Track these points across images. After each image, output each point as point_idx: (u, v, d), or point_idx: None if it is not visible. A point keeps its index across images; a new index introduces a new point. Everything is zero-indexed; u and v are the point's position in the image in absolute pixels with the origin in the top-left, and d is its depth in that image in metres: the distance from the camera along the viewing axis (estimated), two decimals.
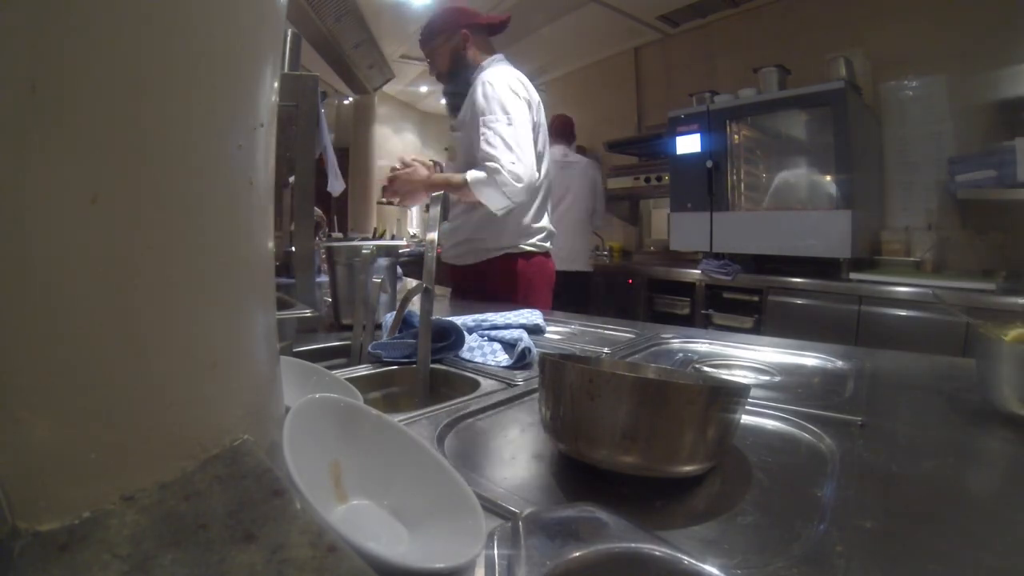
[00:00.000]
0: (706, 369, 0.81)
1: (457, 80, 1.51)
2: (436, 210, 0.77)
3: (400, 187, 1.45)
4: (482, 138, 1.35)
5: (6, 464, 0.23)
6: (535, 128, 1.46)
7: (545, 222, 1.57)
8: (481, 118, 1.36)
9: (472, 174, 1.36)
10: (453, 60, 1.50)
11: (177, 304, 0.28)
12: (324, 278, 1.84)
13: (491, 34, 1.58)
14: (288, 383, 0.40)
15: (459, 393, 0.70)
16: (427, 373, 0.75)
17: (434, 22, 1.52)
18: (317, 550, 0.23)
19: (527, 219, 1.52)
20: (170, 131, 0.27)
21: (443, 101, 1.63)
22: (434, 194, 0.80)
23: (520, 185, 1.34)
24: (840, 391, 0.69)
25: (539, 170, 1.44)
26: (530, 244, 1.55)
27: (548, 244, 1.59)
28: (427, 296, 0.73)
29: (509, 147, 1.34)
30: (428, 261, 0.73)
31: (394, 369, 0.80)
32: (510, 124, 1.36)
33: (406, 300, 0.88)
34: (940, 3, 2.23)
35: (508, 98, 1.38)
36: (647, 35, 3.37)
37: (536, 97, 1.50)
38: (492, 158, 1.33)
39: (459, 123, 1.50)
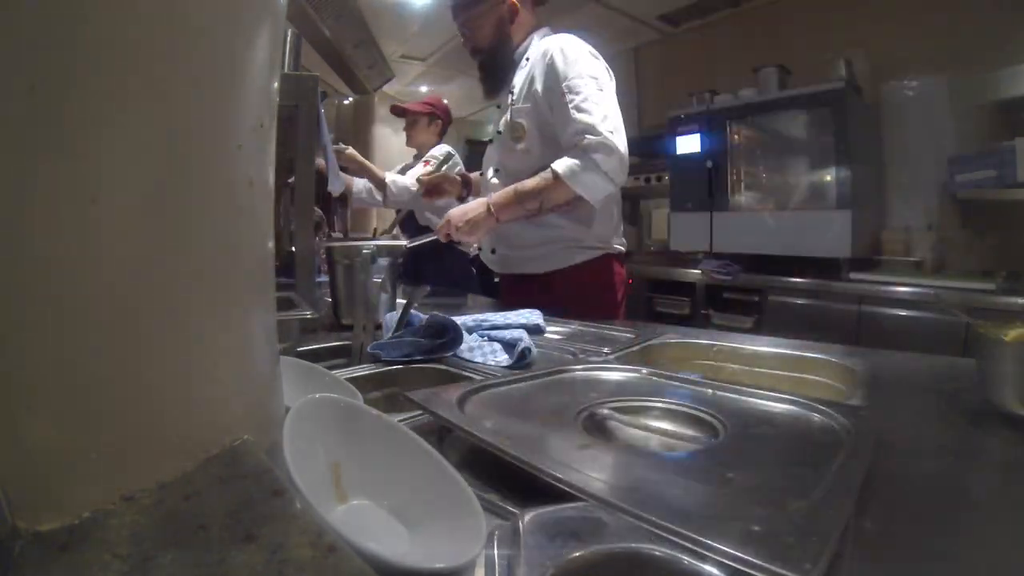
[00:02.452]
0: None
1: (498, 56, 1.27)
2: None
3: (462, 229, 1.16)
4: (570, 105, 1.10)
5: (6, 464, 0.23)
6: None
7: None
8: (564, 83, 1.12)
9: (564, 164, 1.10)
10: (498, 31, 1.26)
11: (177, 304, 0.28)
12: (324, 278, 1.85)
13: (537, 4, 1.35)
14: (288, 383, 0.40)
15: None
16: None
17: None
18: (317, 550, 0.23)
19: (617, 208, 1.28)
20: (170, 131, 0.27)
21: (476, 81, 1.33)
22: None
23: (623, 163, 1.11)
24: (840, 391, 0.69)
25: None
26: (619, 242, 1.31)
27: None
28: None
29: (606, 116, 1.10)
30: None
31: (395, 369, 0.80)
32: (600, 90, 1.13)
33: (410, 302, 0.88)
34: (940, 3, 2.23)
35: (593, 63, 1.17)
36: (647, 35, 3.37)
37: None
38: (589, 128, 1.08)
39: (519, 100, 1.22)
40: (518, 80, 1.26)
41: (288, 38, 1.05)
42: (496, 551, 0.31)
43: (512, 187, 1.17)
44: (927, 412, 0.64)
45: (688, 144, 2.54)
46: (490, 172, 1.34)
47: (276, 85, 0.34)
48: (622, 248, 1.32)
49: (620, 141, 1.11)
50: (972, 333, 0.61)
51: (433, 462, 0.36)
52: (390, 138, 5.22)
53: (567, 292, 1.24)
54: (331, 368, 0.64)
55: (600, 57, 1.22)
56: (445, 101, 2.47)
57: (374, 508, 0.34)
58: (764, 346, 0.91)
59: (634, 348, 0.92)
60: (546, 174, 1.14)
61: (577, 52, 1.17)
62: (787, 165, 2.34)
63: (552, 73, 1.16)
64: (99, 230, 0.25)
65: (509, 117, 1.25)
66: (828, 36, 2.50)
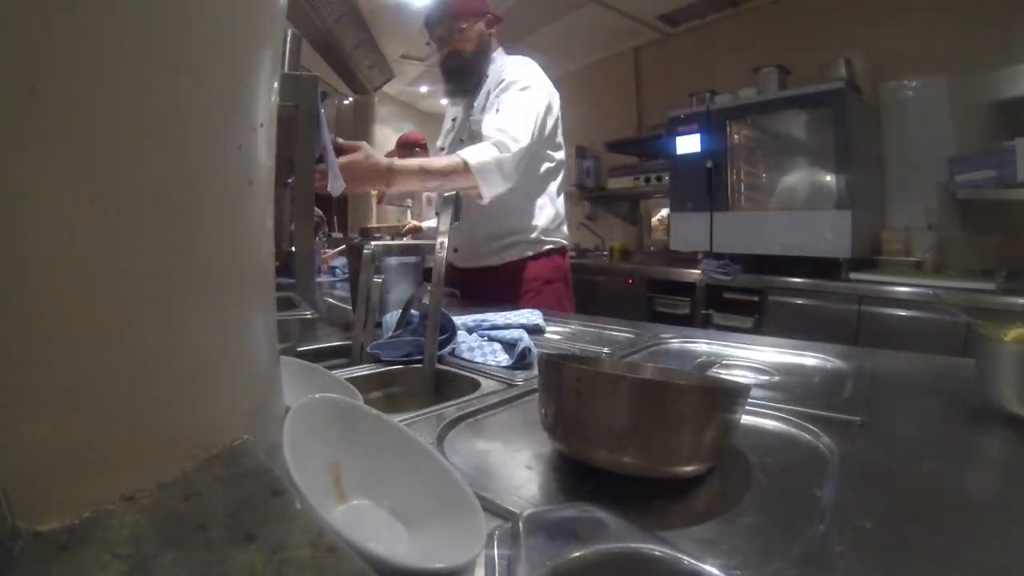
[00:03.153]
0: (706, 369, 0.81)
1: (476, 68, 1.40)
2: (448, 210, 0.76)
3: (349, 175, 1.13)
4: (493, 110, 1.25)
5: (6, 464, 0.23)
6: (555, 120, 1.41)
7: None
8: (512, 90, 1.29)
9: (477, 158, 1.18)
10: (479, 45, 1.39)
11: (177, 304, 0.28)
12: (325, 278, 1.84)
13: (488, 27, 1.49)
14: (288, 383, 0.40)
15: (459, 393, 0.70)
16: (432, 372, 0.75)
17: (459, 1, 1.38)
18: (317, 550, 0.23)
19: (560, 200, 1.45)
20: (170, 131, 0.27)
21: (442, 94, 1.50)
22: (447, 194, 0.78)
23: (517, 169, 1.24)
24: (840, 391, 0.69)
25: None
26: (563, 235, 1.49)
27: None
28: (434, 297, 0.74)
29: (519, 121, 1.24)
30: (438, 262, 0.73)
31: (395, 369, 0.80)
32: (526, 99, 1.29)
33: (410, 302, 0.88)
34: (940, 3, 2.23)
35: (531, 80, 1.32)
36: (647, 35, 3.37)
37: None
38: (502, 131, 1.22)
39: (477, 113, 1.38)
40: (480, 96, 1.41)
41: (288, 38, 1.05)
42: (496, 551, 0.31)
43: (419, 162, 1.23)
44: (927, 412, 0.64)
45: (688, 144, 2.54)
46: None
47: (276, 85, 0.34)
48: (565, 243, 1.49)
49: (521, 151, 1.24)
50: (972, 333, 0.61)
51: (433, 462, 0.36)
52: (390, 138, 5.21)
53: (516, 285, 1.40)
54: (331, 368, 0.64)
55: (544, 82, 1.38)
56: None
57: (374, 508, 0.34)
58: (764, 346, 0.91)
59: (636, 352, 0.92)
60: (456, 160, 1.20)
61: (520, 72, 1.34)
62: (787, 165, 2.34)
63: (502, 86, 1.33)
64: (99, 230, 0.25)
65: (470, 128, 1.39)
66: (828, 36, 2.50)
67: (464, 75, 1.42)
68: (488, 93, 1.36)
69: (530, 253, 1.42)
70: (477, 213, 1.30)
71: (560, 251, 1.49)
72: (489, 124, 1.26)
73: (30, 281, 0.24)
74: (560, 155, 1.48)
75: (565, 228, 1.51)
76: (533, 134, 1.28)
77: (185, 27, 0.27)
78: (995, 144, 1.95)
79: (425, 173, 1.21)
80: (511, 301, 1.32)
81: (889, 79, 2.38)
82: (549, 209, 1.45)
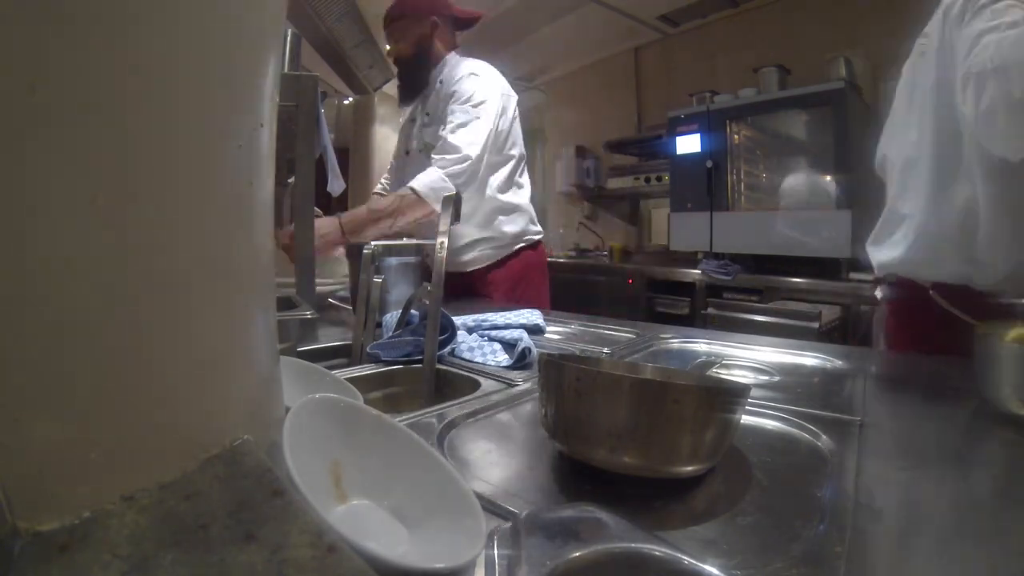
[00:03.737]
0: (706, 369, 0.81)
1: (414, 69, 1.41)
2: (448, 211, 0.77)
3: (317, 246, 1.16)
4: (448, 126, 1.27)
5: (6, 464, 0.23)
6: (510, 122, 1.41)
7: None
8: (460, 103, 1.30)
9: (424, 183, 1.22)
10: (417, 47, 1.39)
11: (177, 304, 0.28)
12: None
13: (458, 28, 1.47)
14: (288, 383, 0.40)
15: (459, 393, 0.70)
16: (432, 372, 0.75)
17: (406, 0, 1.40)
18: (317, 550, 0.23)
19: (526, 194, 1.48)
20: (170, 131, 0.27)
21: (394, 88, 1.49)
22: (446, 194, 0.79)
23: (473, 176, 1.28)
24: (840, 391, 0.69)
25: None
26: (537, 232, 1.52)
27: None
28: (434, 297, 0.74)
29: (471, 142, 1.28)
30: (437, 263, 0.74)
31: (395, 369, 0.80)
32: (478, 117, 1.30)
33: (411, 302, 0.88)
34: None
35: (482, 89, 1.33)
36: (647, 35, 3.37)
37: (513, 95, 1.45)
38: (447, 147, 1.26)
39: (432, 122, 1.39)
40: (432, 101, 1.41)
41: (288, 38, 1.05)
42: (496, 551, 0.31)
43: (365, 206, 1.28)
44: (927, 412, 0.64)
45: (688, 144, 2.54)
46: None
47: (276, 85, 0.34)
48: (537, 237, 1.51)
49: (468, 165, 1.27)
50: (972, 333, 0.61)
51: (433, 462, 0.36)
52: (390, 138, 5.22)
53: (494, 284, 1.45)
54: (331, 368, 0.64)
55: (498, 84, 1.38)
56: None
57: (374, 508, 0.34)
58: (764, 346, 0.91)
59: (635, 352, 0.92)
60: (404, 192, 1.25)
61: (471, 82, 1.33)
62: (787, 165, 2.34)
63: (452, 95, 1.33)
64: (99, 230, 0.25)
65: (423, 137, 1.40)
66: (828, 36, 2.50)
67: (404, 80, 1.44)
68: (438, 102, 1.36)
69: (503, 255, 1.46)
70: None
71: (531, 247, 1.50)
72: (438, 144, 1.29)
73: (29, 281, 0.24)
74: (515, 151, 1.46)
75: (530, 223, 1.51)
76: (485, 146, 1.30)
77: (185, 27, 0.27)
78: None
79: (375, 220, 1.24)
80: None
81: (889, 79, 2.38)
82: (517, 212, 1.47)
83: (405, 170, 1.45)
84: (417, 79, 1.41)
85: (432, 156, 1.29)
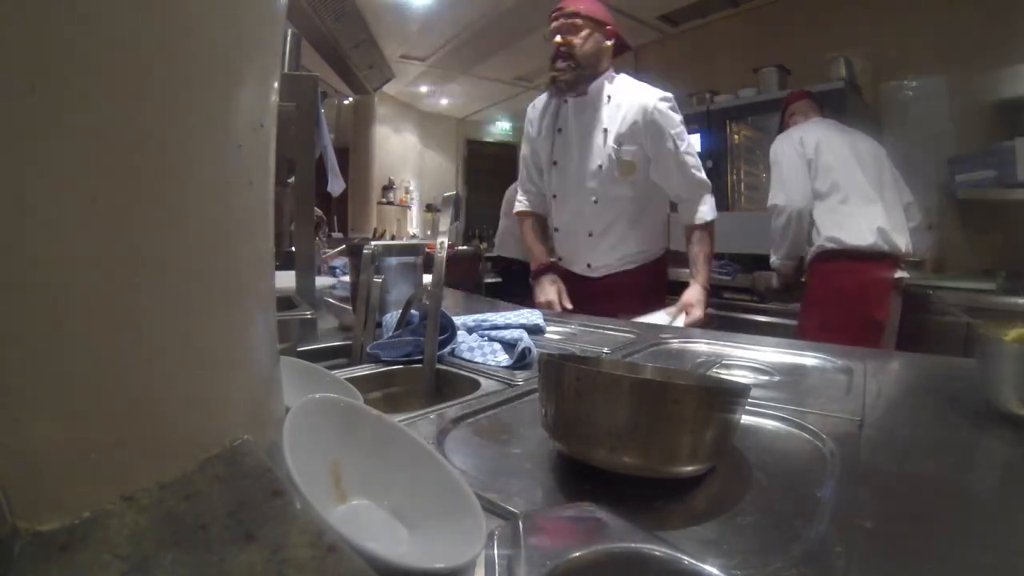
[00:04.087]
0: (706, 369, 0.81)
1: (586, 73, 1.43)
2: (448, 210, 0.77)
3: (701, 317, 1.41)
4: (687, 167, 1.44)
5: (6, 464, 0.23)
6: None
7: None
8: (675, 142, 1.41)
9: (703, 216, 1.47)
10: (596, 55, 1.44)
11: (177, 304, 0.28)
12: (325, 278, 1.84)
13: (616, 54, 1.53)
14: (288, 383, 0.40)
15: (459, 393, 0.70)
16: (432, 372, 0.75)
17: (597, 8, 1.45)
18: (317, 550, 0.23)
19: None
20: (170, 131, 0.27)
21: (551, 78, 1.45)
22: (447, 194, 0.79)
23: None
24: (840, 391, 0.69)
25: None
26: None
27: None
28: (435, 297, 0.74)
29: (703, 172, 1.49)
30: (438, 262, 0.74)
31: (395, 369, 0.80)
32: (698, 151, 1.52)
33: (411, 302, 0.88)
34: (940, 3, 2.23)
35: (681, 122, 1.47)
36: (647, 35, 3.38)
37: None
38: (704, 185, 1.48)
39: (626, 141, 1.44)
40: (612, 118, 1.44)
41: (288, 38, 1.05)
42: (496, 551, 0.31)
43: (699, 255, 1.47)
44: (927, 412, 0.64)
45: None
46: (591, 200, 1.51)
47: (276, 85, 0.34)
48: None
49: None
50: (972, 333, 0.61)
51: (433, 462, 0.36)
52: (390, 138, 5.22)
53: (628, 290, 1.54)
54: (331, 368, 0.64)
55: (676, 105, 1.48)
56: None
57: (374, 508, 0.34)
58: (764, 346, 0.91)
59: (636, 352, 0.92)
60: (701, 231, 1.48)
61: (674, 113, 1.44)
62: None
63: (657, 129, 1.41)
64: (99, 230, 0.25)
65: (614, 155, 1.45)
66: (828, 36, 2.50)
67: (571, 78, 1.44)
68: (634, 125, 1.42)
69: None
70: None
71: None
72: (690, 182, 1.47)
73: (29, 281, 0.24)
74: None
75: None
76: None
77: (185, 26, 0.27)
78: (995, 144, 1.96)
79: (708, 257, 1.48)
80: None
81: (889, 79, 2.38)
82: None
83: (586, 186, 1.49)
84: (583, 83, 1.44)
85: (702, 195, 1.48)
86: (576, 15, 1.41)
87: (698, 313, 1.40)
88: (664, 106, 1.41)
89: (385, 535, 0.32)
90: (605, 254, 1.53)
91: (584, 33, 1.40)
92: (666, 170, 1.44)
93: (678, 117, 1.44)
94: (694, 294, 1.42)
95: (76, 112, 0.24)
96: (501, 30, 3.29)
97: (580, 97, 1.46)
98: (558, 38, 1.41)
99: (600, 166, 1.46)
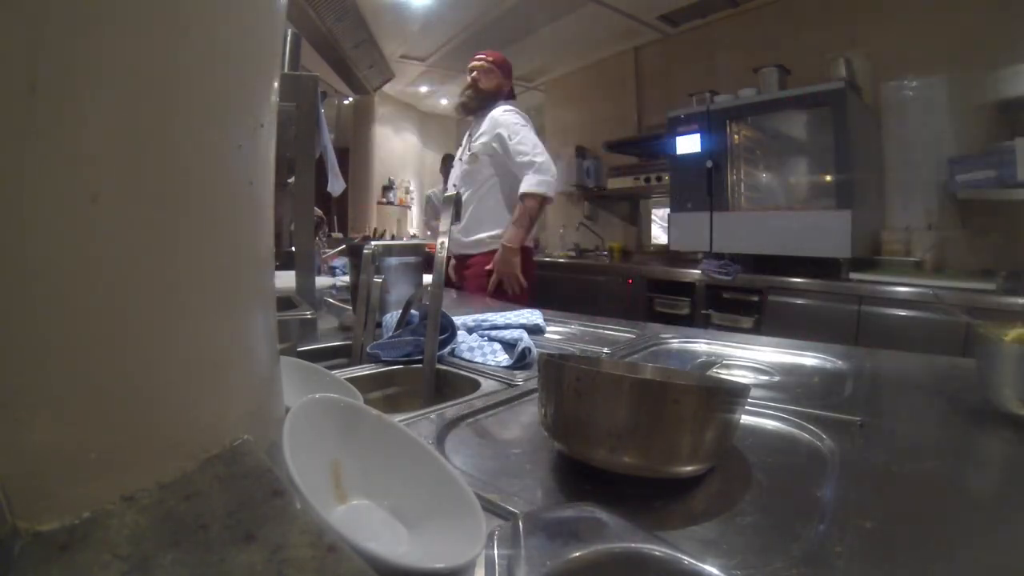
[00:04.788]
0: (706, 369, 0.81)
1: (485, 103, 1.98)
2: (448, 210, 0.77)
3: (508, 281, 1.81)
4: (514, 150, 1.84)
5: (6, 464, 0.23)
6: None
7: None
8: (507, 134, 1.85)
9: (524, 185, 1.81)
10: (497, 92, 2.00)
11: (177, 304, 0.28)
12: (325, 278, 1.84)
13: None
14: (288, 383, 0.40)
15: (459, 393, 0.70)
16: (432, 372, 0.75)
17: (507, 64, 2.05)
18: (317, 550, 0.23)
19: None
20: (170, 131, 0.27)
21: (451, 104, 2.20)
22: (447, 195, 0.80)
23: (552, 171, 1.85)
24: (840, 391, 0.69)
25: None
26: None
27: None
28: (435, 297, 0.74)
29: (535, 147, 1.86)
30: (438, 262, 0.74)
31: (395, 369, 0.80)
32: (528, 134, 1.89)
33: (411, 302, 0.88)
34: (940, 3, 2.23)
35: (520, 119, 1.93)
36: (647, 35, 3.37)
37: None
38: (526, 165, 1.83)
39: (478, 142, 1.94)
40: (483, 127, 1.95)
41: (288, 38, 1.05)
42: (496, 551, 0.31)
43: (515, 220, 1.83)
44: (927, 412, 0.64)
45: (688, 144, 2.54)
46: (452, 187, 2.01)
47: (276, 85, 0.34)
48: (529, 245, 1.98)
49: (546, 160, 1.85)
50: (972, 333, 0.61)
51: (433, 462, 0.36)
52: (390, 138, 5.22)
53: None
54: (331, 368, 0.64)
55: (526, 117, 1.99)
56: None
57: (374, 508, 0.34)
58: (764, 346, 0.91)
59: (635, 352, 0.92)
60: (521, 200, 1.82)
61: (513, 116, 1.94)
62: (787, 165, 2.34)
63: (499, 128, 1.89)
64: (99, 230, 0.25)
65: (470, 150, 1.96)
66: (828, 36, 2.50)
67: (471, 106, 2.02)
68: (488, 130, 1.90)
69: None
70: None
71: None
72: (517, 158, 1.86)
73: (30, 281, 0.24)
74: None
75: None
76: (542, 151, 1.90)
77: (185, 27, 0.27)
78: (995, 144, 1.95)
79: (530, 224, 1.84)
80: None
81: (889, 79, 2.38)
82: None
83: (455, 175, 2.04)
84: (481, 110, 1.98)
85: (527, 167, 1.87)
86: (490, 61, 1.99)
87: (495, 273, 1.83)
88: (507, 114, 1.92)
89: (385, 535, 0.32)
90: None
91: (493, 76, 1.99)
92: (509, 156, 1.88)
93: (515, 119, 1.90)
94: (496, 255, 1.84)
95: (76, 112, 0.24)
96: (501, 30, 3.29)
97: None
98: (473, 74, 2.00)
99: (460, 159, 2.03)
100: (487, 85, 1.97)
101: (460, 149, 2.06)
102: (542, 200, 1.82)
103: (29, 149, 0.23)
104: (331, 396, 0.38)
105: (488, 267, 1.86)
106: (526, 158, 1.81)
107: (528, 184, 1.79)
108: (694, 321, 2.43)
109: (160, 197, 0.27)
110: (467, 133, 2.05)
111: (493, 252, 1.86)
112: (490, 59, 1.99)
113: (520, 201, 1.81)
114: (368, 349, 0.82)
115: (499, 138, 1.85)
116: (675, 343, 0.98)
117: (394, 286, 1.01)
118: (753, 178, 2.44)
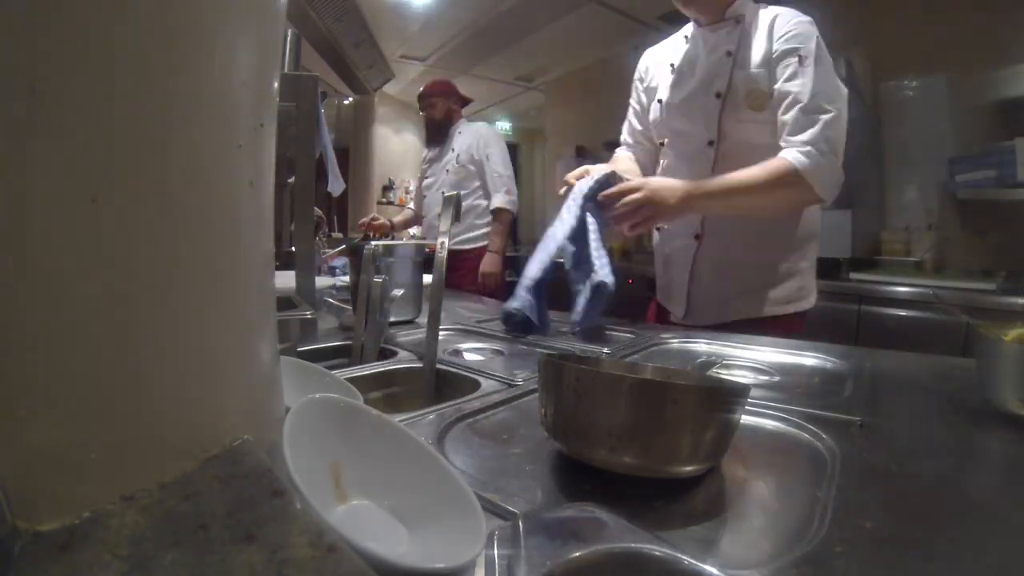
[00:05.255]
0: (706, 369, 0.81)
1: (441, 127, 2.36)
2: (448, 210, 0.77)
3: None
4: (492, 172, 2.27)
5: (6, 464, 0.23)
6: None
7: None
8: (489, 153, 2.26)
9: (493, 202, 2.26)
10: (446, 115, 2.37)
11: (177, 304, 0.28)
12: (325, 278, 1.84)
13: (462, 106, 2.46)
14: (288, 383, 0.40)
15: (459, 393, 0.70)
16: (432, 372, 0.75)
17: (448, 86, 2.40)
18: (317, 550, 0.23)
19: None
20: (170, 131, 0.27)
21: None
22: (448, 194, 0.80)
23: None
24: (840, 391, 0.69)
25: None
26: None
27: None
28: (435, 297, 0.74)
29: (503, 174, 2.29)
30: (439, 262, 0.74)
31: (395, 369, 0.80)
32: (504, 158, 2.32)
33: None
34: (940, 3, 2.23)
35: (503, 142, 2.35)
36: (647, 35, 3.37)
37: None
38: (498, 182, 2.27)
39: (464, 160, 2.31)
40: (459, 146, 2.31)
41: (288, 38, 1.05)
42: (496, 551, 0.31)
43: (492, 232, 2.39)
44: (927, 412, 0.64)
45: None
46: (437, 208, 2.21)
47: (276, 85, 0.34)
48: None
49: (513, 181, 2.31)
50: (972, 333, 0.61)
51: (433, 462, 0.36)
52: (390, 138, 5.22)
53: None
54: (331, 368, 0.64)
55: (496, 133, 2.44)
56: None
57: (374, 508, 0.34)
58: (764, 346, 0.91)
59: (635, 352, 0.92)
60: (494, 214, 2.32)
61: (496, 135, 2.40)
62: None
63: (482, 146, 2.29)
64: (99, 230, 0.25)
65: (456, 163, 2.31)
66: (828, 36, 2.49)
67: (431, 132, 2.43)
68: (468, 148, 2.31)
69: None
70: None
71: None
72: (497, 180, 2.36)
73: (30, 281, 0.24)
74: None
75: None
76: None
77: (185, 26, 0.27)
78: (995, 144, 1.96)
79: (500, 234, 2.40)
80: None
81: (889, 79, 2.38)
82: None
83: (444, 183, 2.36)
84: (441, 133, 2.36)
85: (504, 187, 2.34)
86: (431, 95, 2.36)
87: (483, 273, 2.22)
88: (488, 133, 2.33)
89: (385, 535, 0.32)
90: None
91: (439, 105, 2.35)
92: (487, 173, 2.28)
93: (494, 138, 2.31)
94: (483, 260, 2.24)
95: (76, 112, 0.24)
96: (501, 30, 3.29)
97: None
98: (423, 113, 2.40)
99: (447, 171, 2.37)
100: (439, 115, 2.35)
101: (445, 159, 2.38)
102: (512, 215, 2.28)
103: (28, 149, 0.23)
104: (331, 396, 0.38)
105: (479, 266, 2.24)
106: (502, 178, 2.25)
107: (501, 200, 2.23)
108: None
109: (160, 197, 0.27)
110: (439, 147, 2.42)
111: (478, 249, 2.28)
112: (434, 91, 2.36)
113: (494, 215, 2.24)
114: (504, 307, 0.99)
115: (483, 150, 2.25)
116: (675, 343, 0.98)
117: (394, 286, 1.01)
118: None
